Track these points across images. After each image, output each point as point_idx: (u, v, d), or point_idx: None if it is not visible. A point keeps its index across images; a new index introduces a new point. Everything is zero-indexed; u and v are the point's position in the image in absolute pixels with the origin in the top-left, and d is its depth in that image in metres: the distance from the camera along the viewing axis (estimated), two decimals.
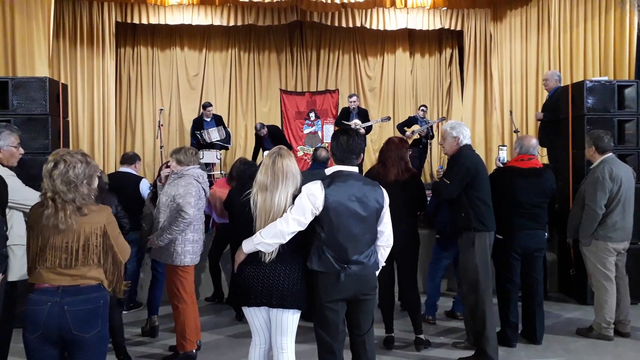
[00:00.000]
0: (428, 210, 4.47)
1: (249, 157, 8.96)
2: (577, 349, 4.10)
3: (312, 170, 4.78)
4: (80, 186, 2.34)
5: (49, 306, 2.29)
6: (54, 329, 2.29)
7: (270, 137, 8.18)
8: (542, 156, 6.34)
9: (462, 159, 3.74)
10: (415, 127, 8.36)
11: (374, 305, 2.82)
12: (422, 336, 4.04)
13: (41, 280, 2.35)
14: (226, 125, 8.81)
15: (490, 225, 3.77)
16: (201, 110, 8.56)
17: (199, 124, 8.23)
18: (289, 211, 2.61)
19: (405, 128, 8.46)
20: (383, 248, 2.81)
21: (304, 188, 2.65)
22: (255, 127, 8.42)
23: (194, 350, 3.81)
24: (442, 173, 3.88)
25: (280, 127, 8.87)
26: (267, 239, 2.61)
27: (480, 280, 3.73)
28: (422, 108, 8.59)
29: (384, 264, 2.85)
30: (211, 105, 8.45)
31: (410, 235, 3.91)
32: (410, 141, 8.40)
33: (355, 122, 7.80)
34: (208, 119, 8.25)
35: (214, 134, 8.15)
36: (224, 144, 8.32)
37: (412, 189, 3.92)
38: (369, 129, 8.02)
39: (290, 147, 8.63)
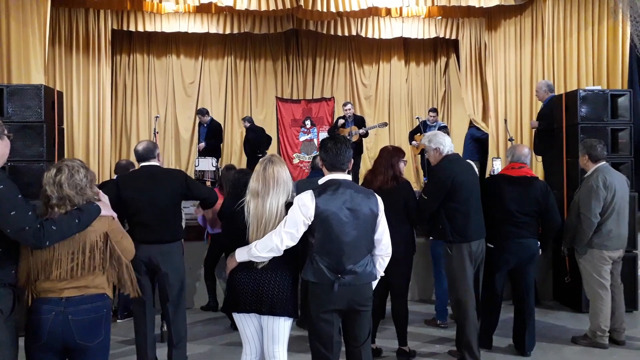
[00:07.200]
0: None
1: (243, 164, 8.99)
2: (571, 357, 4.11)
3: (310, 179, 4.76)
4: (86, 189, 2.39)
5: (53, 315, 2.29)
6: (58, 338, 2.29)
7: (250, 138, 8.49)
8: (538, 161, 6.36)
9: (439, 172, 3.78)
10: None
11: (370, 316, 2.78)
12: (405, 348, 4.02)
13: (46, 291, 2.33)
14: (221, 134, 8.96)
15: (470, 236, 3.73)
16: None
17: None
18: (282, 225, 2.60)
19: (415, 137, 8.48)
20: (381, 257, 2.77)
21: (295, 199, 2.64)
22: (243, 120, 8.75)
23: None
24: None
25: (265, 132, 8.84)
26: (263, 253, 2.61)
27: (458, 288, 3.76)
28: (430, 114, 8.53)
29: (382, 274, 2.82)
30: (205, 113, 8.59)
31: (401, 246, 3.68)
32: (418, 150, 8.42)
33: (352, 129, 7.82)
34: (204, 125, 8.49)
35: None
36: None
37: (399, 197, 3.81)
38: (365, 135, 8.03)
39: (264, 152, 8.45)
